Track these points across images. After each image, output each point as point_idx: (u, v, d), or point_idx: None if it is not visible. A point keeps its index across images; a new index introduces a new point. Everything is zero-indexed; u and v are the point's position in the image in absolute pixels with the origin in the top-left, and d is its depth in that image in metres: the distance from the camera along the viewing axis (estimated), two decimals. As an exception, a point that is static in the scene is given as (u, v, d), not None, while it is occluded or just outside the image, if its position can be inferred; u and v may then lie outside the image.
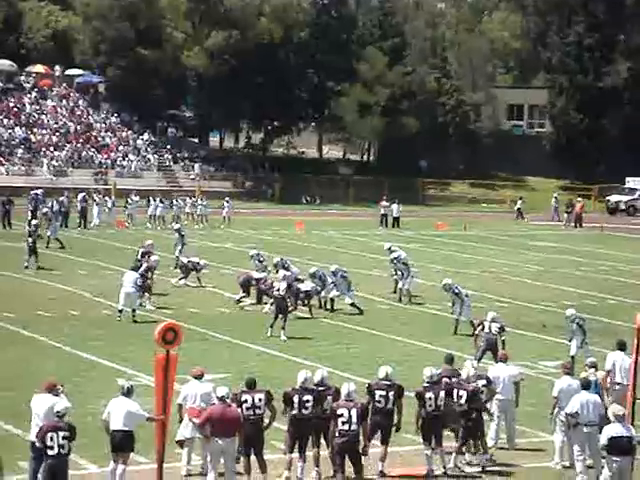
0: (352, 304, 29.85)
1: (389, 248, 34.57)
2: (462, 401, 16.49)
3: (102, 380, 20.65)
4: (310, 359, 23.06)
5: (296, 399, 15.53)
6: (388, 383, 16.09)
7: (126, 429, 14.70)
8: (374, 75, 74.91)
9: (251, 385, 15.58)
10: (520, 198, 65.54)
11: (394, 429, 16.16)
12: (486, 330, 22.39)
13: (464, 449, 16.88)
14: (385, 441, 16.06)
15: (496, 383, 17.35)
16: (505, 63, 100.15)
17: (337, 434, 15.09)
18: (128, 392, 14.97)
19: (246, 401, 15.32)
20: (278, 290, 26.20)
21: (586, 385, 16.36)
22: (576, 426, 16.05)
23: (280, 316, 25.84)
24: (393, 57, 76.59)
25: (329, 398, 15.70)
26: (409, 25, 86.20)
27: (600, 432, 15.14)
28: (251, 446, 15.35)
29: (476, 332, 23.02)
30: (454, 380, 16.96)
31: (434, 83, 79.88)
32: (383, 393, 15.99)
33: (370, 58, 75.71)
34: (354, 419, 15.01)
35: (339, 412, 15.07)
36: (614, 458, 14.65)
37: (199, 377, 16.17)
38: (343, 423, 15.01)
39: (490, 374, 17.56)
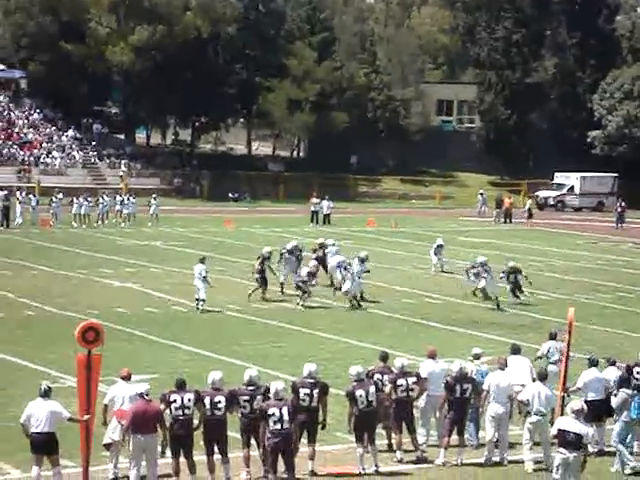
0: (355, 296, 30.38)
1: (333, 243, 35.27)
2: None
3: (26, 383, 20.03)
4: (241, 358, 22.70)
5: (207, 400, 15.26)
6: (312, 381, 15.94)
7: (47, 430, 14.40)
8: (303, 70, 74.61)
9: (180, 385, 15.35)
10: (530, 197, 65.89)
11: (320, 427, 15.98)
12: None
13: (395, 446, 16.73)
14: (312, 439, 15.89)
15: (428, 379, 17.18)
16: (434, 59, 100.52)
17: (270, 434, 14.86)
18: (45, 393, 14.66)
19: (175, 401, 15.11)
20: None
21: (541, 376, 16.82)
22: (527, 414, 16.61)
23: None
24: (322, 52, 76.42)
25: (259, 398, 15.42)
26: (338, 20, 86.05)
27: (551, 423, 15.79)
28: (180, 447, 15.12)
29: None
30: (386, 377, 16.84)
31: (363, 78, 79.79)
32: (307, 391, 15.82)
33: (299, 53, 75.43)
34: (285, 417, 14.86)
35: (270, 412, 14.86)
36: (560, 450, 14.69)
37: (126, 378, 15.88)
38: (275, 422, 14.83)
39: (421, 371, 17.39)
